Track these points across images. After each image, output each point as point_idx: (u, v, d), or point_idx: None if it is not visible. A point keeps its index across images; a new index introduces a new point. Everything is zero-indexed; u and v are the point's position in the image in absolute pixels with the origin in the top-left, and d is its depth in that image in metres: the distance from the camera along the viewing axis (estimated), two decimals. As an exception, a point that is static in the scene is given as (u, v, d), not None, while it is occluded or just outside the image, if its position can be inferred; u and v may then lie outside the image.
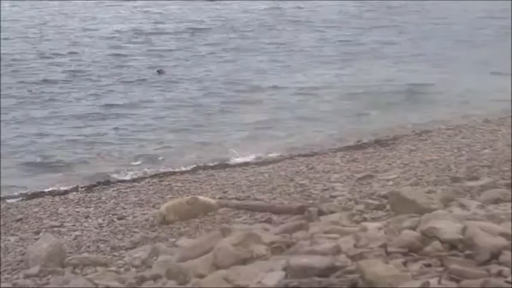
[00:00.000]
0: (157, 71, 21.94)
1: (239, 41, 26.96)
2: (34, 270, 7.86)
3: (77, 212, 10.65)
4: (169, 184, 11.89)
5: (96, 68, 22.32)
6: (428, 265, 4.83)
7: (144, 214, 10.15)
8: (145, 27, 30.01)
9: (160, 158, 14.10)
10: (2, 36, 26.42)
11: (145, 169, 13.42)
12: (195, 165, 13.35)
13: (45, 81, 20.49)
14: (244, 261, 5.56)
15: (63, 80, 20.66)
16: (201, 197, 10.05)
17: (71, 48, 25.34)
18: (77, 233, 9.59)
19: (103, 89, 19.65)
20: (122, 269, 7.72)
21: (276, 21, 31.67)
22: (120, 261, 8.11)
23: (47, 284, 7.47)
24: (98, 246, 8.96)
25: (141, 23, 31.25)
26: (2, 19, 30.07)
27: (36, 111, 17.40)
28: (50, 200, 11.44)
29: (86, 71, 21.83)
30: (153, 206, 10.54)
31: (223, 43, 26.47)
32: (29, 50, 24.96)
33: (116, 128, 16.00)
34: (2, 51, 23.65)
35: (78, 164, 13.83)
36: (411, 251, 5.14)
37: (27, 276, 7.78)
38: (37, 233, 9.69)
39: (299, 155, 13.57)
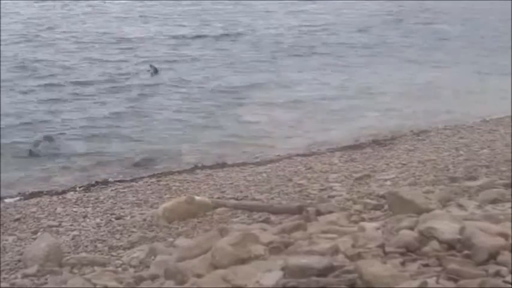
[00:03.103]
0: (150, 65, 21.78)
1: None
2: (32, 270, 7.85)
3: (75, 211, 10.64)
4: (167, 184, 11.88)
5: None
6: (426, 265, 4.84)
7: (142, 214, 10.15)
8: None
9: (158, 158, 14.10)
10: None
11: (143, 168, 13.44)
12: (193, 165, 13.34)
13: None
14: (242, 261, 5.56)
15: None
16: (197, 197, 10.05)
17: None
18: (75, 232, 9.58)
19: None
20: (119, 269, 7.73)
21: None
22: (118, 261, 8.12)
23: (45, 283, 7.46)
24: (96, 246, 8.96)
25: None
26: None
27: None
28: (48, 200, 11.43)
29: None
30: (151, 206, 10.54)
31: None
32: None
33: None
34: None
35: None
36: (409, 251, 5.14)
37: (25, 276, 7.77)
38: (35, 232, 9.68)
39: (297, 155, 13.56)
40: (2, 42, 25.58)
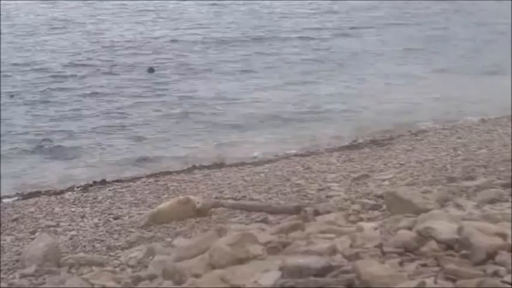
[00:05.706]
0: (149, 68, 22.10)
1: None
2: (30, 270, 7.85)
3: (73, 211, 10.64)
4: (165, 184, 11.87)
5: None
6: (424, 265, 4.84)
7: (140, 214, 10.15)
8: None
9: (156, 158, 14.10)
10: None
11: (141, 169, 13.43)
12: (191, 165, 13.33)
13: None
14: (240, 261, 5.56)
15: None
16: (193, 197, 10.04)
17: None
18: (73, 232, 9.58)
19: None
20: (117, 269, 7.72)
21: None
22: (116, 261, 8.11)
23: (43, 283, 7.46)
24: (94, 246, 8.95)
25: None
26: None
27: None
28: (46, 200, 11.42)
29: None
30: (149, 206, 10.53)
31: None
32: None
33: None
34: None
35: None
36: (407, 251, 5.15)
37: (23, 276, 7.77)
38: (33, 232, 9.67)
39: (295, 155, 13.56)
40: None
